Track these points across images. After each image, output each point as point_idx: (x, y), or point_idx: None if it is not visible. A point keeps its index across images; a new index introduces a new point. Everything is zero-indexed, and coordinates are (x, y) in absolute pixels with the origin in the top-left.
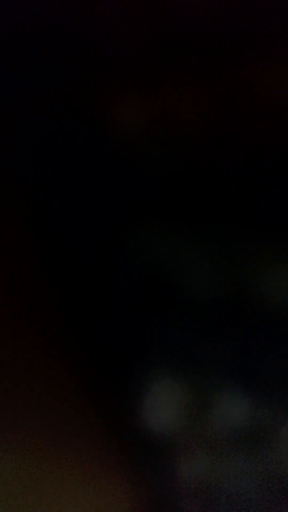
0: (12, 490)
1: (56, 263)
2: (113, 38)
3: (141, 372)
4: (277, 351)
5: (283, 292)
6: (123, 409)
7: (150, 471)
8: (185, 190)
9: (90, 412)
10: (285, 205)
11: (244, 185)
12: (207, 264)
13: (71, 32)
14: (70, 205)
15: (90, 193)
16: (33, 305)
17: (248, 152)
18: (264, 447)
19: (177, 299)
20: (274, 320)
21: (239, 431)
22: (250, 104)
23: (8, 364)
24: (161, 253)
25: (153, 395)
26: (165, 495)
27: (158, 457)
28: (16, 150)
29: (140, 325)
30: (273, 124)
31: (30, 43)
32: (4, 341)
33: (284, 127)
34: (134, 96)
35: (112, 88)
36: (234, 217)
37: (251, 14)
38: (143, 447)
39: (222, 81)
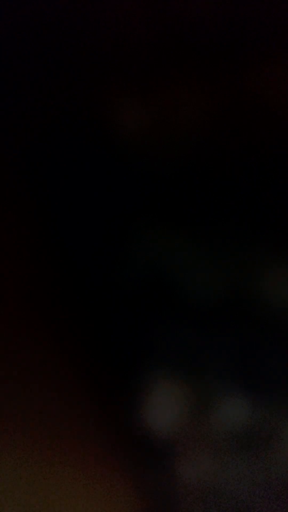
0: (13, 490)
1: (58, 264)
2: (115, 40)
3: (142, 374)
4: (278, 353)
5: (284, 293)
6: (124, 411)
7: (152, 472)
8: (186, 191)
9: (92, 414)
10: (285, 206)
11: (245, 186)
12: (209, 265)
13: (72, 33)
14: (72, 207)
15: (92, 194)
16: (34, 306)
17: (249, 154)
18: (265, 449)
19: (178, 300)
20: (275, 321)
21: (240, 433)
22: (251, 105)
23: (10, 365)
24: (163, 255)
25: (154, 396)
26: (166, 496)
27: (159, 458)
28: (18, 151)
29: (142, 327)
30: (274, 126)
31: (31, 44)
32: (5, 342)
33: (285, 129)
34: (136, 98)
35: (114, 90)
36: (235, 218)
37: (252, 15)
38: (144, 448)
39: (223, 82)
